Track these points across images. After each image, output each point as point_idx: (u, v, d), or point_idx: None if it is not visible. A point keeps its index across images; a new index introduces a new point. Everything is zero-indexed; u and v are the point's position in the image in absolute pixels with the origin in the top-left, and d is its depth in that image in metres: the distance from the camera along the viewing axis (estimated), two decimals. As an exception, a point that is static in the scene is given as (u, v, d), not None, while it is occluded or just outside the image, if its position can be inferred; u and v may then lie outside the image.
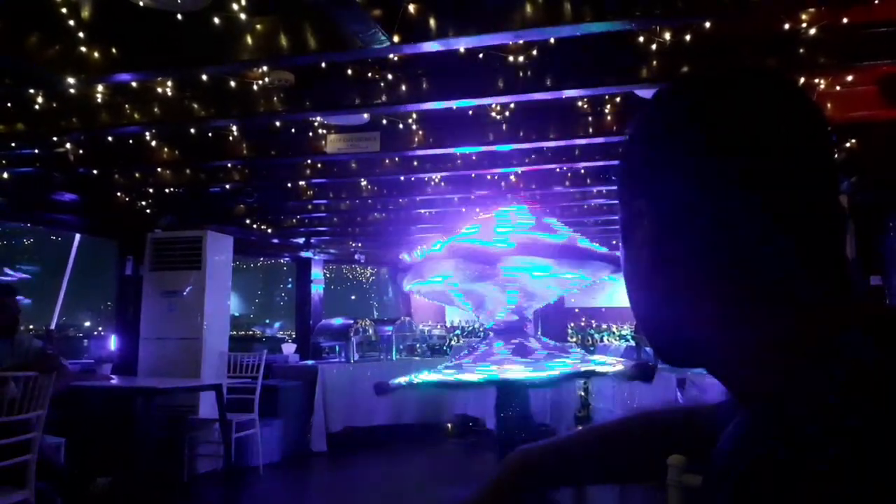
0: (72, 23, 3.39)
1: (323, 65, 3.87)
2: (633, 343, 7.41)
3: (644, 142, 0.61)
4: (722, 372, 0.57)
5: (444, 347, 8.80)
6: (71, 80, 3.63)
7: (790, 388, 0.47)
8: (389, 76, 3.98)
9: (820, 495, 0.40)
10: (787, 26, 3.45)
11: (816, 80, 4.07)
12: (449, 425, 7.65)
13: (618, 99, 4.52)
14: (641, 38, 3.61)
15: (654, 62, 3.65)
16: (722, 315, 0.55)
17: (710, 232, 0.54)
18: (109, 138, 5.15)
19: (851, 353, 0.46)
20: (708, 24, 3.45)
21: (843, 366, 0.45)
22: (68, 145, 5.37)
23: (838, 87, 4.15)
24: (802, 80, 3.99)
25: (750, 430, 0.48)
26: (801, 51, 3.49)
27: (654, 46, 3.63)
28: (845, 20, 3.39)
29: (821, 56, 3.50)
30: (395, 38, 3.09)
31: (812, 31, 3.43)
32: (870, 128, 4.68)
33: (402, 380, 4.01)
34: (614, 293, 10.98)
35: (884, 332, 0.48)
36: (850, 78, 4.08)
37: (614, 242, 6.53)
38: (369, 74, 4.00)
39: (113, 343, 6.97)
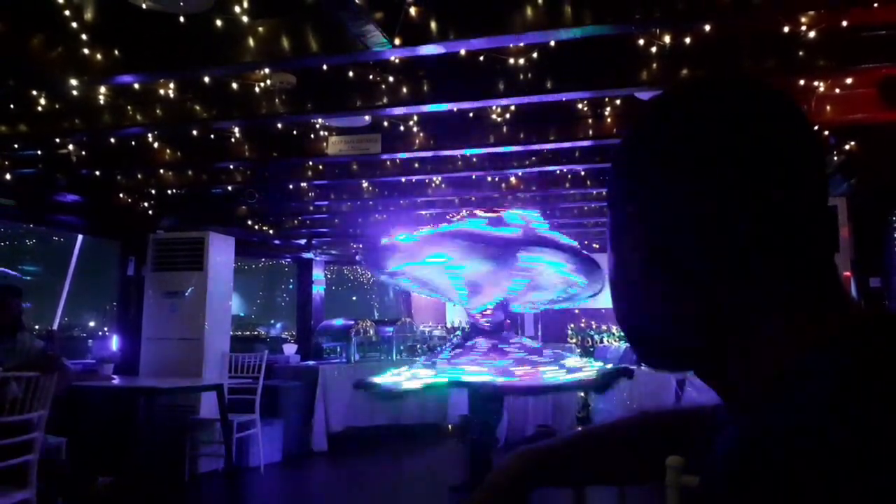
0: (75, 25, 3.40)
1: (324, 67, 3.88)
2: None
3: (637, 147, 0.61)
4: (713, 377, 0.59)
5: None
6: (73, 82, 3.64)
7: (782, 393, 0.48)
8: (391, 78, 3.99)
9: (813, 498, 0.41)
10: (786, 29, 3.45)
11: (816, 83, 4.08)
12: (449, 426, 7.65)
13: (618, 101, 4.53)
14: (641, 41, 3.62)
15: (654, 65, 3.66)
16: (712, 322, 0.56)
17: (700, 239, 0.55)
18: (112, 140, 5.16)
19: (841, 359, 0.47)
20: (708, 27, 3.46)
21: (833, 370, 0.46)
22: (71, 147, 5.39)
23: (838, 90, 4.16)
24: (802, 82, 4.00)
25: (745, 433, 0.48)
26: (801, 53, 3.49)
27: (654, 49, 3.63)
28: (845, 23, 3.39)
29: (820, 58, 3.50)
30: (397, 41, 3.10)
31: (812, 34, 3.43)
32: (869, 130, 4.69)
33: (380, 379, 4.12)
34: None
35: (873, 336, 0.49)
36: (849, 80, 4.09)
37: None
38: (371, 77, 4.01)
39: (115, 343, 6.97)
